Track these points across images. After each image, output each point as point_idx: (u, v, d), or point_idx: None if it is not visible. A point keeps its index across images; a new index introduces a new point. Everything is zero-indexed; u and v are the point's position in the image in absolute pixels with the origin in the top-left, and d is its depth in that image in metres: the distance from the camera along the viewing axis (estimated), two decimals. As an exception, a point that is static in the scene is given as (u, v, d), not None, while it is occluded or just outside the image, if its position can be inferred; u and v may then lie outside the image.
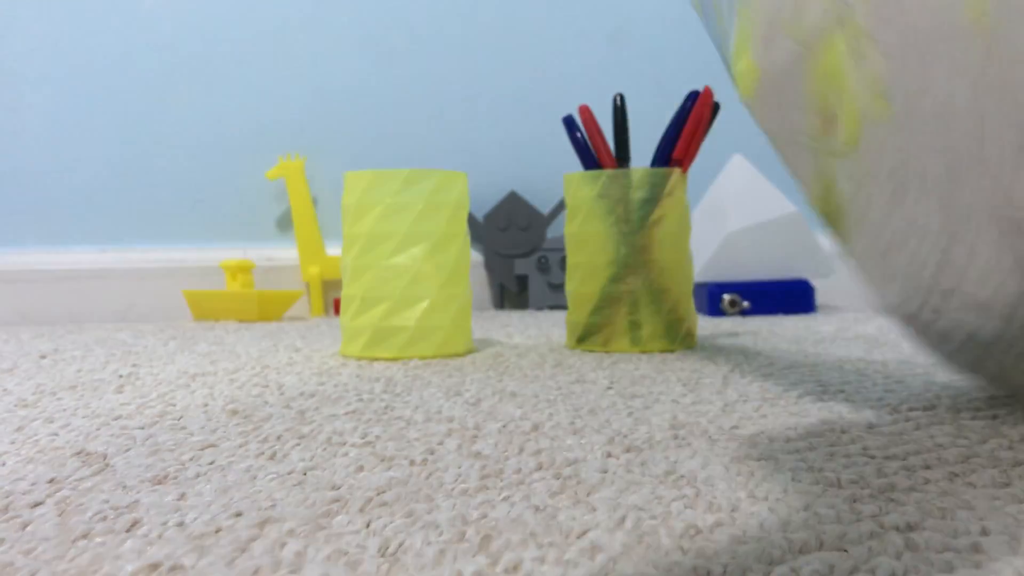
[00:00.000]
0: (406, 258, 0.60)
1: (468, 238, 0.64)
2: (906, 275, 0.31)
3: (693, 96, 0.63)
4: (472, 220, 1.19)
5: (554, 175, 1.22)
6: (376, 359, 0.60)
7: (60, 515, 0.25)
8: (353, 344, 0.61)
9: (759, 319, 0.90)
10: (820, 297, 1.20)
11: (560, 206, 1.18)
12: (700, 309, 0.98)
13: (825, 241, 1.21)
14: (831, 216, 0.33)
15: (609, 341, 0.62)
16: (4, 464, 0.32)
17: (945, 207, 0.27)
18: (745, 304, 0.95)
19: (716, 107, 0.64)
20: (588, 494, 0.26)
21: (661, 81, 1.23)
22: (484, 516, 0.25)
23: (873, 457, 0.30)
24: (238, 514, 0.25)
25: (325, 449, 0.33)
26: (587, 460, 0.31)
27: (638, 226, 0.62)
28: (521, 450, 0.32)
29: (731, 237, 0.95)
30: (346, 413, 0.40)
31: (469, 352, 0.63)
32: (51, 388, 0.49)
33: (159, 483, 0.29)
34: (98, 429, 0.37)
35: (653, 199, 0.62)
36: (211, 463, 0.31)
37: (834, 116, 0.28)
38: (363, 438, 0.35)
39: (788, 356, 0.57)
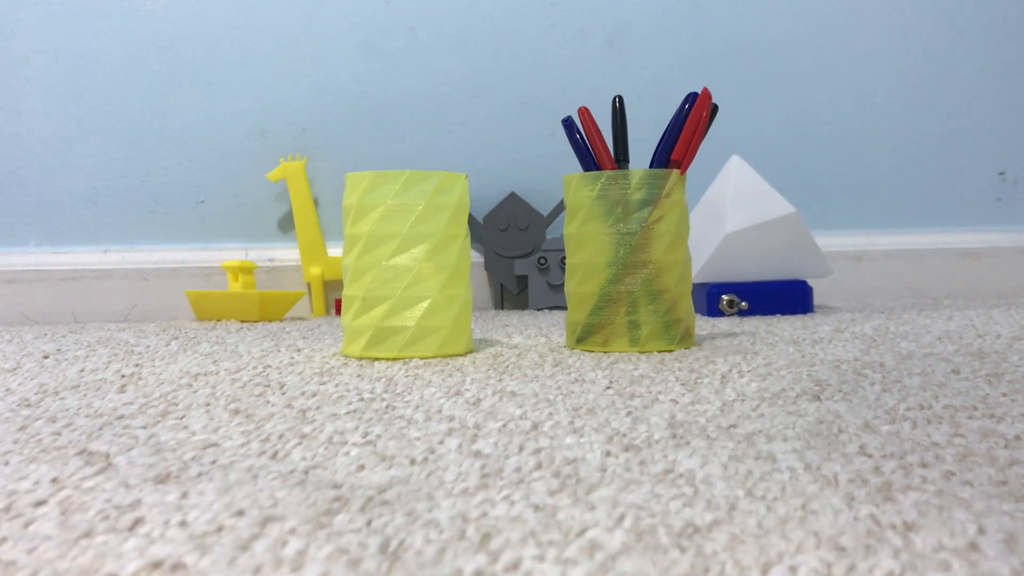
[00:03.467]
0: (407, 259, 0.60)
1: (468, 239, 0.64)
2: None
3: (692, 97, 0.64)
4: (472, 221, 1.19)
5: (554, 176, 1.23)
6: (377, 359, 0.60)
7: (63, 514, 0.25)
8: (354, 344, 0.61)
9: (757, 319, 0.90)
10: (818, 297, 1.20)
11: (560, 207, 1.19)
12: (698, 309, 0.98)
13: (823, 241, 1.21)
14: None
15: (608, 341, 0.62)
16: (7, 463, 0.32)
17: None
18: (743, 304, 0.95)
19: (714, 108, 0.64)
20: (587, 493, 0.27)
21: (660, 83, 1.24)
22: (484, 515, 0.25)
23: (871, 456, 0.31)
24: (240, 513, 0.25)
25: (326, 448, 0.33)
26: (586, 459, 0.31)
27: (637, 227, 0.62)
28: (521, 449, 0.32)
29: (729, 238, 0.95)
30: (347, 412, 0.40)
31: (469, 352, 0.63)
32: (54, 388, 0.49)
33: (161, 482, 0.29)
34: (101, 428, 0.38)
35: (652, 200, 0.62)
36: (213, 462, 0.31)
37: None
38: (364, 437, 0.35)
39: (786, 356, 0.58)
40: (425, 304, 0.60)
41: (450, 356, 0.61)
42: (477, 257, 1.21)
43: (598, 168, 0.65)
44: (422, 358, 0.60)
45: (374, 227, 0.60)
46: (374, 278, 0.60)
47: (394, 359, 0.59)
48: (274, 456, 0.32)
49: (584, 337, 0.63)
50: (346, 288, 0.62)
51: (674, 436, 0.34)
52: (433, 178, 0.60)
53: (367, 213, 0.60)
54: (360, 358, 0.60)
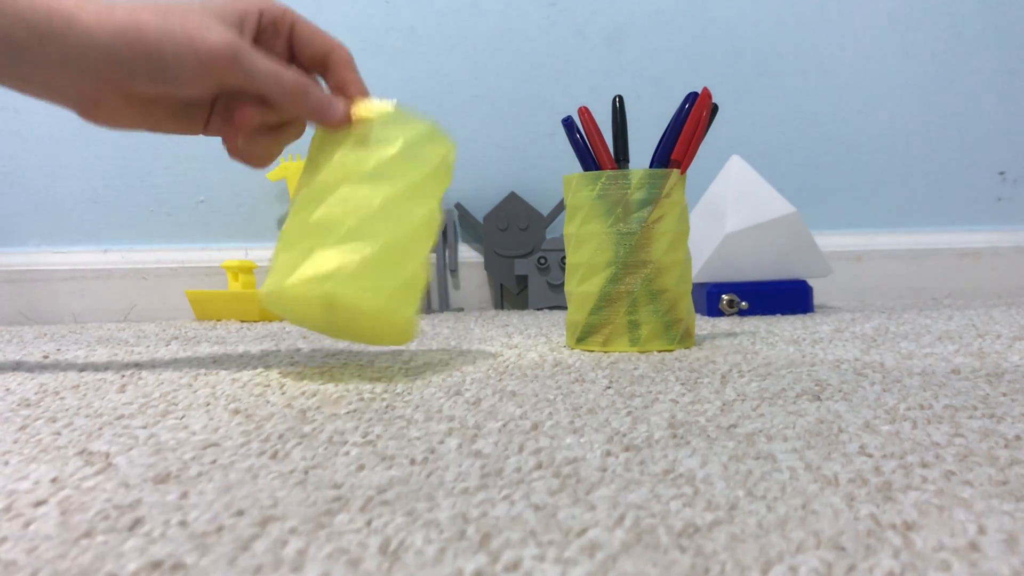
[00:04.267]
0: (367, 192, 0.49)
1: (439, 218, 0.54)
2: None
3: (692, 97, 0.64)
4: (472, 220, 1.19)
5: (554, 176, 1.23)
6: (285, 299, 0.49)
7: (63, 514, 0.25)
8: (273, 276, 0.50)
9: (757, 319, 0.90)
10: (818, 297, 1.20)
11: (560, 207, 1.19)
12: (698, 309, 0.98)
13: (823, 241, 1.21)
14: None
15: (608, 341, 0.62)
16: (7, 463, 0.32)
17: None
18: (743, 304, 0.95)
19: (714, 108, 0.64)
20: (587, 493, 0.27)
21: (660, 82, 1.24)
22: (484, 514, 0.25)
23: (871, 456, 0.31)
24: (240, 513, 0.25)
25: (326, 448, 0.33)
26: (586, 459, 0.31)
27: (637, 227, 0.62)
28: (521, 449, 0.32)
29: (729, 238, 0.95)
30: (347, 412, 0.40)
31: (404, 339, 0.54)
32: (54, 387, 0.49)
33: (161, 482, 0.29)
34: (100, 428, 0.38)
35: (652, 200, 0.62)
36: (213, 462, 0.31)
37: None
38: (364, 437, 0.35)
39: (786, 356, 0.58)
40: (368, 249, 0.48)
41: (380, 329, 0.52)
42: (477, 257, 1.21)
43: (598, 168, 0.65)
44: (340, 305, 0.48)
45: (340, 157, 0.50)
46: (321, 210, 0.49)
47: (305, 293, 0.48)
48: (274, 456, 0.32)
49: (584, 337, 0.63)
50: (288, 220, 0.52)
51: (674, 436, 0.34)
52: (420, 126, 0.52)
53: (334, 146, 0.51)
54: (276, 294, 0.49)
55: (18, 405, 0.44)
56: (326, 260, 0.48)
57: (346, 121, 0.51)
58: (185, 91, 0.49)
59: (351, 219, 0.49)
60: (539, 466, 0.30)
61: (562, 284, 1.16)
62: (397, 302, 0.50)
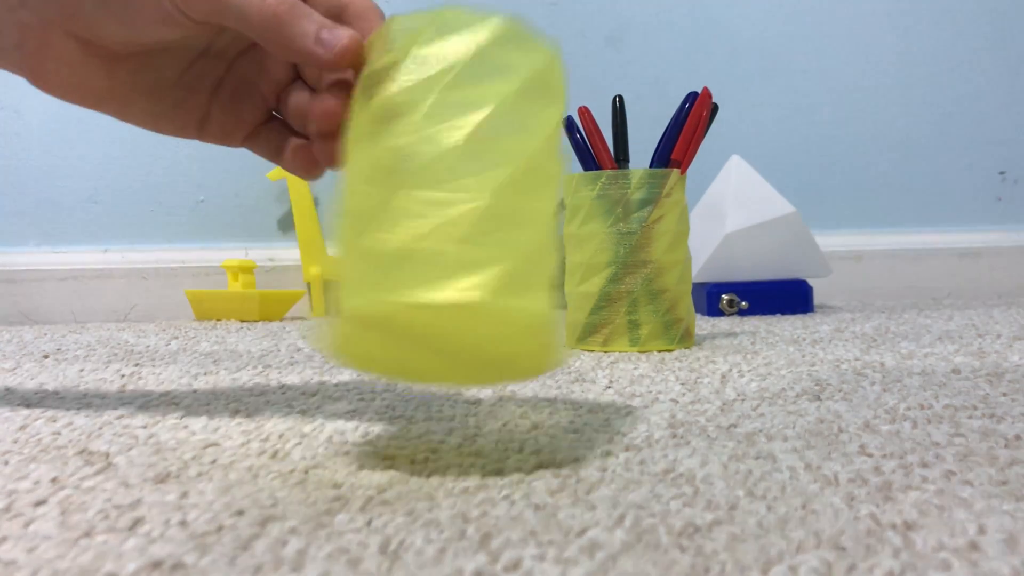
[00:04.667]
0: (439, 130, 0.30)
1: (559, 167, 0.33)
2: None
3: (692, 97, 0.64)
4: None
5: (554, 175, 1.22)
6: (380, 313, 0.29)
7: (62, 514, 0.25)
8: (360, 292, 0.31)
9: (757, 319, 0.90)
10: (818, 297, 1.20)
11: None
12: (698, 309, 0.98)
13: (823, 241, 1.21)
14: None
15: (608, 341, 0.62)
16: (7, 463, 0.32)
17: None
18: (743, 304, 0.95)
19: (714, 108, 0.65)
20: (587, 492, 0.27)
21: (660, 82, 1.24)
22: (484, 514, 0.25)
23: (871, 455, 0.31)
24: (240, 512, 0.25)
25: (326, 448, 0.33)
26: (586, 459, 0.31)
27: (637, 226, 0.62)
28: (521, 449, 0.32)
29: (729, 237, 0.95)
30: (348, 412, 0.40)
31: (542, 361, 0.30)
32: (54, 388, 0.49)
33: (161, 482, 0.29)
34: (100, 428, 0.38)
35: (652, 199, 0.62)
36: (213, 462, 0.31)
37: None
38: (364, 437, 0.35)
39: (786, 355, 0.58)
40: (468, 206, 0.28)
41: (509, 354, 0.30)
42: (477, 257, 1.20)
43: (598, 168, 0.65)
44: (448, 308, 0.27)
45: (427, 92, 0.31)
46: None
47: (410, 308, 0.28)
48: (274, 456, 0.32)
49: (584, 337, 0.63)
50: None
51: (674, 436, 0.34)
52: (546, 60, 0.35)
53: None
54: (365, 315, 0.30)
55: (18, 405, 0.44)
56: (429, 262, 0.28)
57: (349, 53, 0.34)
58: (146, 30, 0.36)
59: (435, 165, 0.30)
60: (539, 466, 0.30)
61: (562, 284, 1.16)
62: (518, 293, 0.28)
